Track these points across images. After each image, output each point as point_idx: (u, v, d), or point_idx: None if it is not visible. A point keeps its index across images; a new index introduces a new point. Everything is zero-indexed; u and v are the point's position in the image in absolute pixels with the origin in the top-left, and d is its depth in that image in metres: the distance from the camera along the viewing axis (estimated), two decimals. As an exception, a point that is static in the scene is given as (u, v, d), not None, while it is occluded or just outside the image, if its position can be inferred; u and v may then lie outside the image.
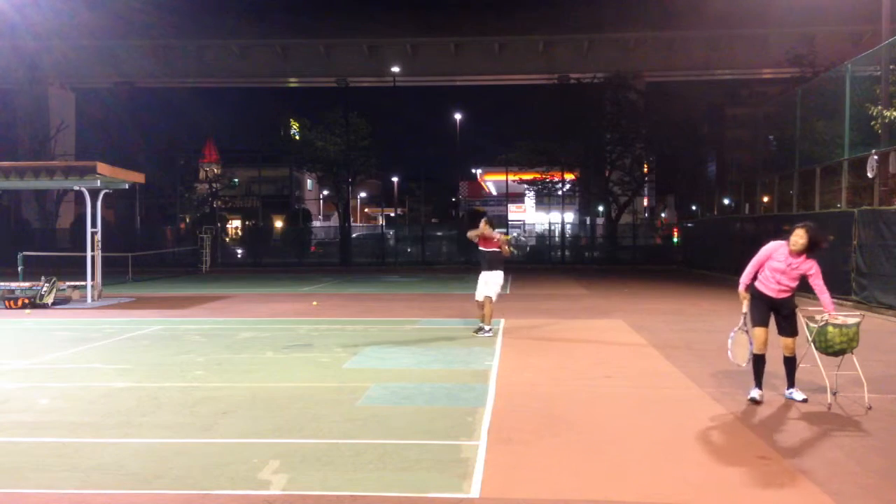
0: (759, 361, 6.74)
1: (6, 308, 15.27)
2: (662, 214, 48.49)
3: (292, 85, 46.55)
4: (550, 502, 4.40)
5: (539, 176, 38.04)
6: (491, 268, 10.97)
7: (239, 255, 38.74)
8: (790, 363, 6.80)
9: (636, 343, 10.43)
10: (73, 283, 16.93)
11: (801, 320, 6.87)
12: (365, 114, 38.51)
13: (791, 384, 6.87)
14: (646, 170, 37.87)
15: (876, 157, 15.09)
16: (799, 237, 6.46)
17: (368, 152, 37.87)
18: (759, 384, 6.79)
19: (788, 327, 6.73)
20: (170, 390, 7.37)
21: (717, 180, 32.63)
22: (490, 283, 10.96)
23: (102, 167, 15.81)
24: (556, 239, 38.69)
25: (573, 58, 39.85)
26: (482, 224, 11.03)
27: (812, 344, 6.68)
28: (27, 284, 15.91)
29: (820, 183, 18.50)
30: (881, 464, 5.10)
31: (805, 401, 6.68)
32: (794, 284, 6.67)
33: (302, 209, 46.20)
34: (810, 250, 6.51)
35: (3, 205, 38.55)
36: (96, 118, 41.04)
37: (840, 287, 15.70)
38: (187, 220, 40.92)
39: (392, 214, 51.99)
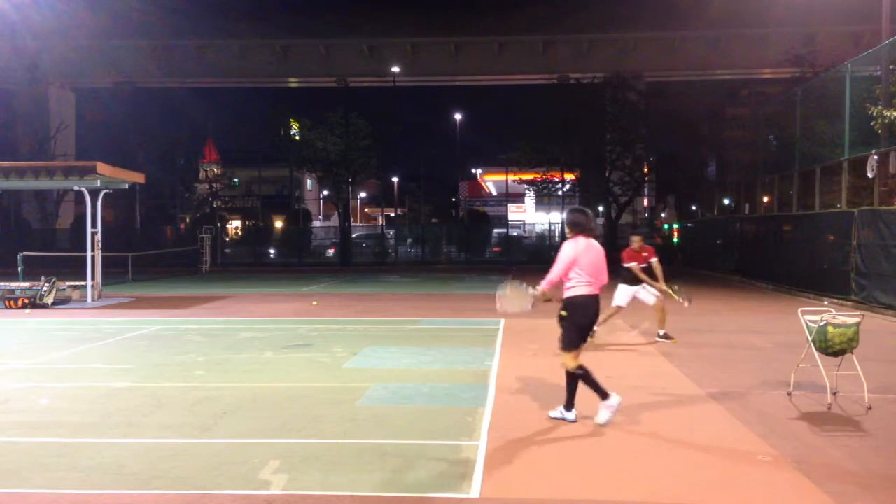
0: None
1: (6, 308, 15.27)
2: (662, 214, 48.46)
3: (292, 85, 46.50)
4: (550, 502, 4.40)
5: (539, 176, 38.01)
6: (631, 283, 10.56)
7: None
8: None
9: (636, 343, 10.44)
10: (73, 283, 16.94)
11: (802, 320, 6.88)
12: (365, 114, 38.48)
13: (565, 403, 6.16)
14: (646, 170, 37.84)
15: (876, 157, 15.09)
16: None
17: (368, 152, 37.84)
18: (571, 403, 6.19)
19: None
20: (170, 390, 7.37)
21: (717, 180, 32.54)
22: (641, 292, 10.54)
23: (102, 167, 15.82)
24: (557, 239, 38.63)
25: (573, 58, 39.81)
26: (636, 241, 10.59)
27: (812, 344, 6.68)
28: (27, 284, 15.92)
29: (820, 183, 18.50)
30: (881, 464, 5.10)
31: (574, 421, 6.08)
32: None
33: (302, 209, 46.19)
34: (573, 230, 6.27)
35: (3, 205, 38.52)
36: (96, 118, 41.00)
37: (840, 287, 15.70)
38: (187, 220, 40.90)
39: (392, 214, 51.95)
